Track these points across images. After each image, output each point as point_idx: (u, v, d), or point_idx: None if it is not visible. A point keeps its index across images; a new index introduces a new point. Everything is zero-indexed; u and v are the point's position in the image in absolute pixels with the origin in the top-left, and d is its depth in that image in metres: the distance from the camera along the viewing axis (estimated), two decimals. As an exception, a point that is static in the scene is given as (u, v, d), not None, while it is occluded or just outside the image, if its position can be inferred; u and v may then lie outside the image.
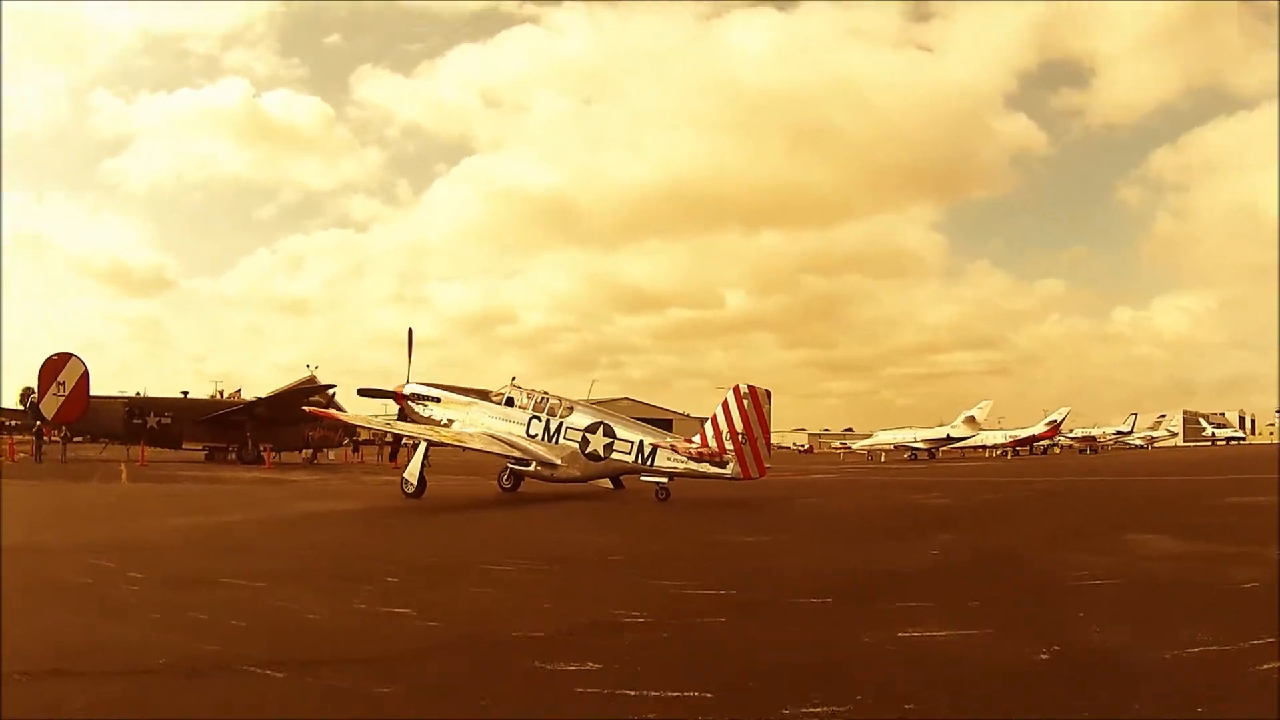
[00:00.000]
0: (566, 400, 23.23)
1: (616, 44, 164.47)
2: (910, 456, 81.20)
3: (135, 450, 44.60)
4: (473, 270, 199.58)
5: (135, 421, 45.18)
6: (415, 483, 21.16)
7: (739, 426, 20.81)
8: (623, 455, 22.00)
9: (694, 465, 21.11)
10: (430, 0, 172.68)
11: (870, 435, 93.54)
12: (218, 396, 56.79)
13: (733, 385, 21.35)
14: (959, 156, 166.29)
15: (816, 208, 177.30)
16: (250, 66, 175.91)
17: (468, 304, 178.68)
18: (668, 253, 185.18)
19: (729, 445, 20.84)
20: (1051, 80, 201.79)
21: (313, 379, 47.96)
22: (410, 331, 25.24)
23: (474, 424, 22.91)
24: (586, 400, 25.36)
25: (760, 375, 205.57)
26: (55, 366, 44.78)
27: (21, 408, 69.88)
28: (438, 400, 23.58)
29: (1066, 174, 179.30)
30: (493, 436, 22.46)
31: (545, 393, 23.19)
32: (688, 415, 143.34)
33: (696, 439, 21.65)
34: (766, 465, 21.29)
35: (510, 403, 23.11)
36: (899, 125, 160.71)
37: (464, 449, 23.67)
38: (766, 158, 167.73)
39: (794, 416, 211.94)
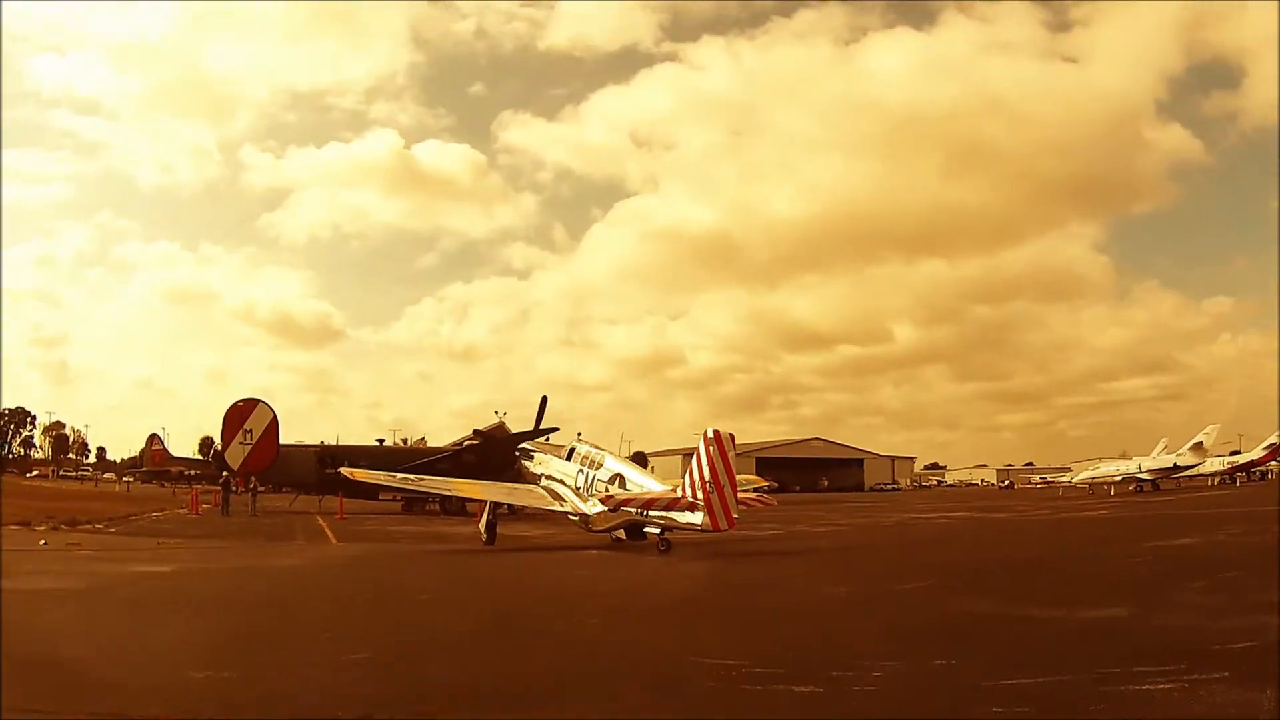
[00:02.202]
0: (602, 451, 22.97)
1: (757, 75, 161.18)
2: (1136, 489, 72.33)
3: (327, 501, 42.09)
4: (637, 312, 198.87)
5: (328, 471, 42.57)
6: (484, 533, 22.92)
7: (707, 475, 19.02)
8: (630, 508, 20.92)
9: (673, 515, 19.70)
10: (568, 46, 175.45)
11: (1090, 465, 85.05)
12: (401, 445, 54.42)
13: (704, 430, 19.79)
14: (1117, 170, 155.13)
15: (975, 230, 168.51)
16: (395, 118, 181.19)
17: (634, 346, 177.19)
18: (828, 287, 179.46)
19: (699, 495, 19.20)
20: (1202, 84, 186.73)
21: (502, 425, 44.91)
22: (544, 399, 28.41)
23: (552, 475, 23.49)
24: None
25: (934, 409, 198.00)
26: (241, 413, 42.97)
27: (201, 457, 69.95)
28: (531, 457, 25.39)
29: (1226, 182, 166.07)
30: (530, 490, 23.82)
31: (595, 446, 23.38)
32: (876, 454, 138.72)
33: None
34: (735, 516, 19.34)
35: (570, 455, 23.29)
36: (1052, 140, 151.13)
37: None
38: (919, 181, 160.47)
39: (971, 452, 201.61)
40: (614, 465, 22.10)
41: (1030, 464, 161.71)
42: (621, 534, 21.39)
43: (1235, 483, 76.66)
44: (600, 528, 21.53)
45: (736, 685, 7.34)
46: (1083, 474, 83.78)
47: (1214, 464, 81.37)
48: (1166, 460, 75.68)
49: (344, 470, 28.72)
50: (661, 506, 19.74)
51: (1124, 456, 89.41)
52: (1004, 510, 44.60)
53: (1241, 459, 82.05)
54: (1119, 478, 75.44)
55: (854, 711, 6.69)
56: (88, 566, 16.60)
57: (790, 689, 7.16)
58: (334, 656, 8.43)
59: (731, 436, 19.69)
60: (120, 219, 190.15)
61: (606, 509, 20.85)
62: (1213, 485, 75.94)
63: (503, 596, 14.10)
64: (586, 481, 22.02)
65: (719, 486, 18.84)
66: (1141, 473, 74.58)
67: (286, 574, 17.09)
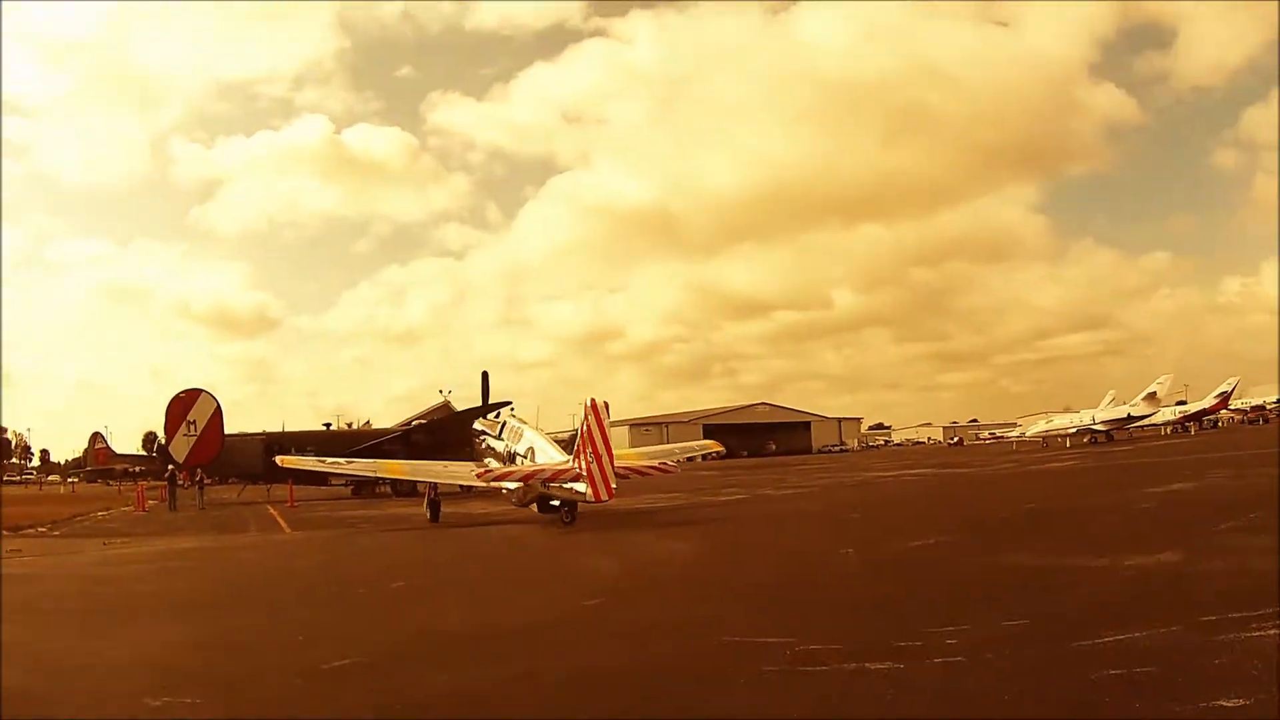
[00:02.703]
0: (523, 426, 22.80)
1: (688, 47, 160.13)
2: (1090, 440, 72.84)
3: (276, 490, 40.27)
4: (575, 288, 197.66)
5: (276, 459, 40.71)
6: (428, 511, 23.61)
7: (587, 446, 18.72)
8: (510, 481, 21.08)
9: (571, 486, 19.22)
10: (495, 25, 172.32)
11: (1037, 420, 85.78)
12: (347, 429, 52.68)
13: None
14: (1051, 132, 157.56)
15: (912, 195, 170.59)
16: (324, 103, 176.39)
17: (574, 323, 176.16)
18: (767, 255, 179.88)
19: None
20: (1134, 45, 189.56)
21: (447, 404, 43.33)
22: (484, 375, 30.30)
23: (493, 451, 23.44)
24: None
25: (876, 371, 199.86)
26: (184, 405, 40.75)
27: (145, 453, 67.44)
28: (479, 435, 25.19)
29: (1161, 141, 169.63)
30: (462, 466, 24.27)
31: (520, 420, 23.42)
32: (822, 416, 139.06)
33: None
34: (614, 486, 18.90)
35: (501, 431, 23.39)
36: (986, 105, 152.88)
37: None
38: (854, 147, 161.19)
39: (915, 412, 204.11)
40: (530, 439, 21.79)
41: (975, 420, 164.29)
42: (534, 508, 20.78)
43: (1188, 431, 77.83)
44: (516, 502, 21.38)
45: (796, 667, 6.22)
46: (1035, 427, 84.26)
47: (1165, 414, 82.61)
48: (1120, 411, 76.08)
49: (279, 460, 27.45)
50: (545, 478, 19.50)
51: (1068, 410, 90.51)
52: (965, 466, 44.26)
53: (1193, 408, 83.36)
54: (1073, 430, 75.77)
55: (957, 685, 5.65)
56: (29, 572, 14.99)
57: (864, 667, 6.08)
58: (312, 665, 7.14)
59: (606, 405, 19.14)
60: (51, 218, 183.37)
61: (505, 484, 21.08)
62: (1165, 434, 76.96)
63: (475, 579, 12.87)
64: (509, 455, 21.98)
65: (598, 456, 18.45)
66: (1095, 424, 75.15)
67: (245, 569, 15.66)
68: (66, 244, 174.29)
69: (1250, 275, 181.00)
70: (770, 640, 6.94)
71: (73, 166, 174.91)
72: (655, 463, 23.54)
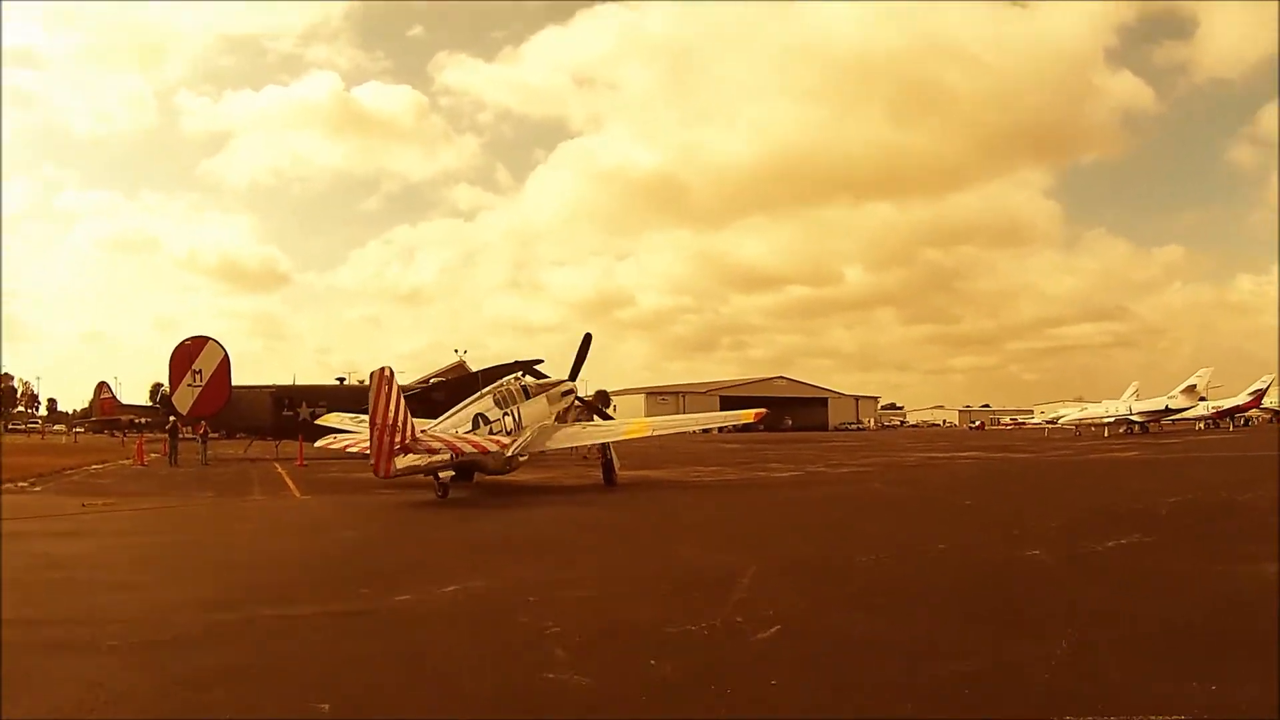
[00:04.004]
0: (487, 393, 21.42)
1: (700, 17, 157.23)
2: (1126, 430, 70.26)
3: (285, 446, 37.96)
4: (583, 253, 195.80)
5: (286, 414, 38.31)
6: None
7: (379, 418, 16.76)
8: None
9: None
10: None
11: (1051, 408, 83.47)
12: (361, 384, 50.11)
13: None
14: (1066, 116, 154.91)
15: (923, 175, 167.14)
16: (332, 60, 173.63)
17: (582, 288, 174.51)
18: (776, 229, 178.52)
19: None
20: (1153, 33, 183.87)
21: (462, 364, 41.04)
22: (587, 336, 26.14)
23: None
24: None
25: (886, 352, 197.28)
26: (189, 353, 38.38)
27: (153, 404, 65.42)
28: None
29: (1177, 132, 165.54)
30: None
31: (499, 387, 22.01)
32: (840, 394, 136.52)
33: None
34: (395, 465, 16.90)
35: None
36: (1000, 86, 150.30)
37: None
38: (866, 123, 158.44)
39: (923, 394, 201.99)
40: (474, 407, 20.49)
41: (987, 405, 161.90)
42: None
43: (1220, 427, 75.21)
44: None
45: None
46: (1069, 415, 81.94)
47: (1198, 408, 79.99)
48: (1158, 402, 73.99)
49: (319, 419, 25.13)
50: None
51: (1080, 400, 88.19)
52: (1014, 451, 41.64)
53: (1226, 403, 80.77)
54: (1110, 419, 73.39)
55: None
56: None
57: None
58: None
59: (391, 372, 17.22)
60: (61, 170, 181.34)
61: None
62: (1200, 430, 74.34)
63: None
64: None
65: (380, 429, 16.63)
66: (1133, 415, 72.61)
67: (242, 550, 12.44)
68: (76, 194, 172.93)
69: (1264, 274, 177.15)
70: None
71: (82, 117, 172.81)
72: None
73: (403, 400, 17.07)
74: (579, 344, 25.82)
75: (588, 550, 11.55)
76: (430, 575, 9.31)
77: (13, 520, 14.61)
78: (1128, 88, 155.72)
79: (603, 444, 22.42)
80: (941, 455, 37.93)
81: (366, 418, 18.40)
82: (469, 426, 19.53)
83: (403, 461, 17.06)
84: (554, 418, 23.09)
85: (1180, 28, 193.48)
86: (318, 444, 23.47)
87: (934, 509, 16.52)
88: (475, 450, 18.46)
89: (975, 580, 8.59)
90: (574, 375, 25.30)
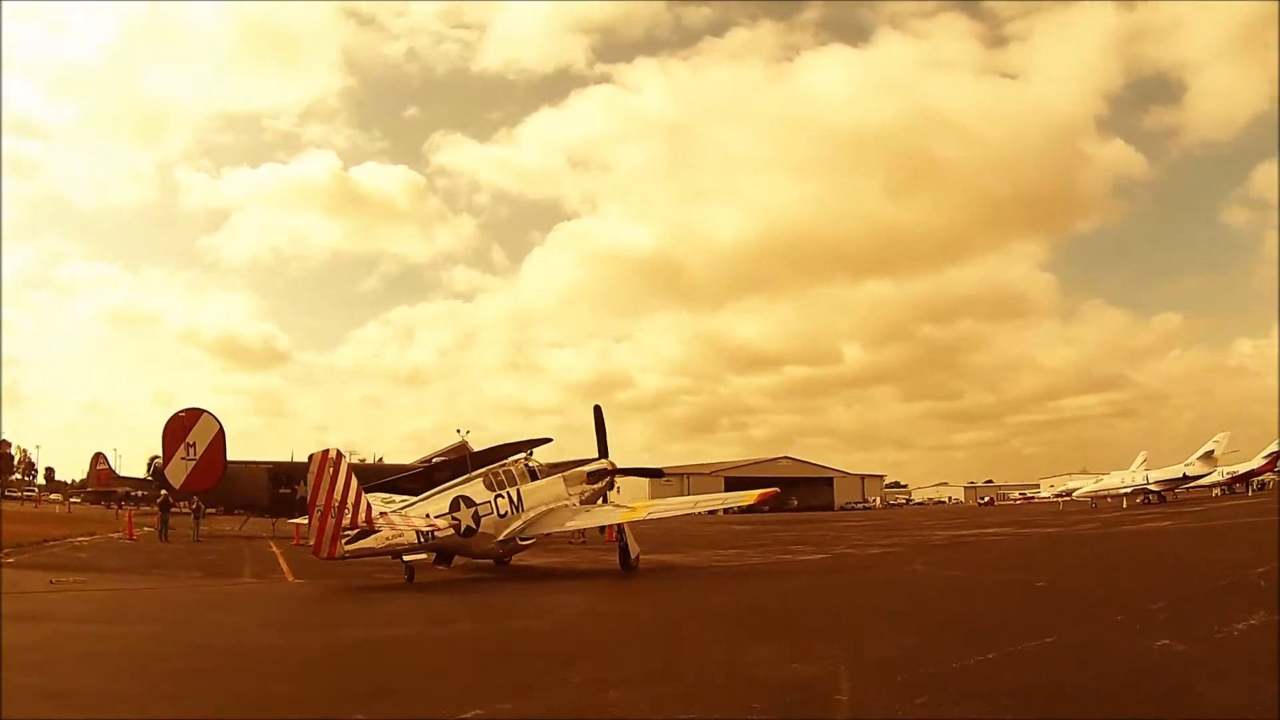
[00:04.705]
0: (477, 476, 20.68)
1: (693, 95, 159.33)
2: (1143, 500, 68.70)
3: (282, 525, 36.37)
4: (581, 335, 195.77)
5: (282, 491, 36.82)
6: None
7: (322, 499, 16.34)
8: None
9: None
10: (500, 68, 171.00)
11: (1059, 481, 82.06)
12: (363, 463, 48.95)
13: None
14: (1059, 187, 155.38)
15: (919, 250, 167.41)
16: (330, 139, 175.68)
17: (581, 370, 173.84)
18: (773, 308, 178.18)
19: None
20: (1142, 99, 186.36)
21: (464, 444, 39.85)
22: (597, 409, 24.65)
23: None
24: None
25: (886, 429, 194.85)
26: (183, 425, 36.96)
27: (149, 477, 64.30)
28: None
29: (1170, 197, 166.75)
30: None
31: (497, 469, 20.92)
32: (845, 473, 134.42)
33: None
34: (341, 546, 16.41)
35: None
36: (993, 158, 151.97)
37: None
38: (862, 200, 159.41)
39: (926, 471, 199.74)
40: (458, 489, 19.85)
41: (990, 481, 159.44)
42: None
43: (1236, 493, 73.67)
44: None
45: None
46: (1084, 487, 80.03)
47: (1212, 475, 78.50)
48: (1175, 470, 72.52)
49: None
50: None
51: (1085, 473, 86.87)
52: (1039, 526, 39.83)
53: (1241, 468, 79.26)
54: (1127, 489, 71.77)
55: None
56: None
57: None
58: None
59: (339, 455, 16.94)
60: (63, 241, 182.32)
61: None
62: (1217, 496, 72.67)
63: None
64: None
65: (324, 510, 16.23)
66: (1149, 484, 71.02)
67: (218, 650, 10.37)
68: (79, 265, 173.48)
69: (1263, 337, 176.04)
70: None
71: (83, 189, 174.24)
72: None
73: (354, 481, 16.63)
74: (593, 419, 24.41)
75: (626, 650, 9.94)
76: (444, 690, 7.74)
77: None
78: (1119, 155, 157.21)
79: (619, 526, 20.98)
80: (968, 533, 36.17)
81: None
82: (445, 509, 18.73)
83: (353, 545, 16.56)
84: (579, 499, 21.70)
85: (1169, 92, 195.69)
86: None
87: (1008, 592, 14.91)
88: (417, 531, 17.64)
89: (1128, 685, 7.00)
90: (603, 452, 23.81)
